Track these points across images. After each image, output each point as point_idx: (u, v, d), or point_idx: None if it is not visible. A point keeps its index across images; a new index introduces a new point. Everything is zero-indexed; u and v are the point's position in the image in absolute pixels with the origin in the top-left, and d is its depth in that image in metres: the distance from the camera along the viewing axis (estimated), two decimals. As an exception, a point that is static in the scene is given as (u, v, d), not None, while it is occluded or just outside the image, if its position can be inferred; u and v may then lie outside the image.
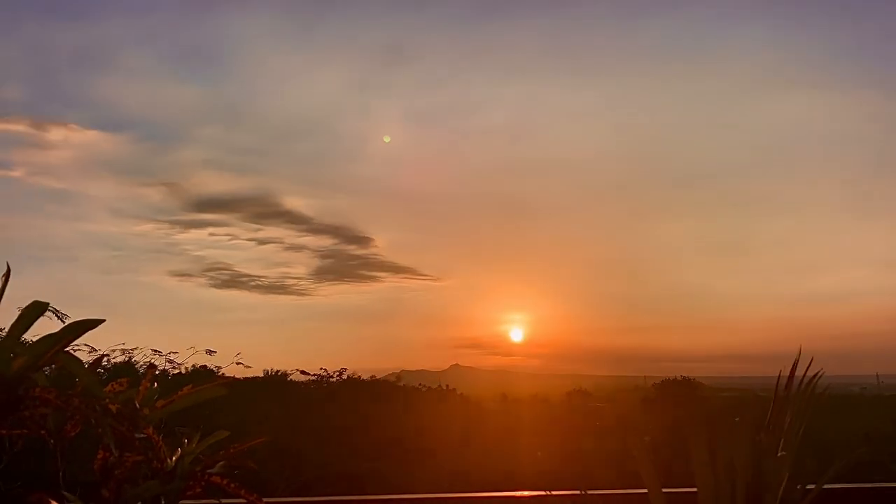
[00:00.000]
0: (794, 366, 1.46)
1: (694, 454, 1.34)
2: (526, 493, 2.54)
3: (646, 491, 2.10)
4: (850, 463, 1.39)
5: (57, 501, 1.40)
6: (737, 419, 1.33)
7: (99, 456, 1.46)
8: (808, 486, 1.39)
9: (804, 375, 1.44)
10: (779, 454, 1.36)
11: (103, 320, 1.39)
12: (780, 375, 1.54)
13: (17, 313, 1.40)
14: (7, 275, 1.43)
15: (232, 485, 1.53)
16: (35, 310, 1.38)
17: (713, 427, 1.29)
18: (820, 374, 1.39)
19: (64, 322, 1.42)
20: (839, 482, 1.84)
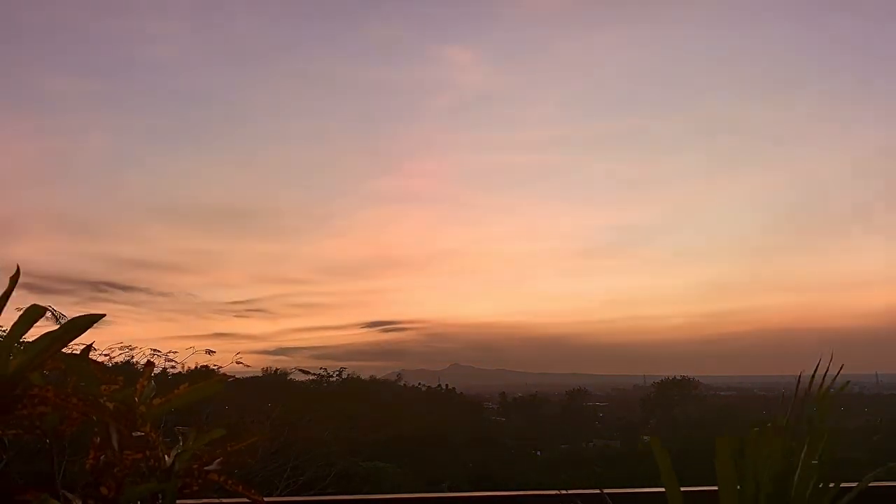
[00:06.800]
0: (821, 366, 1.43)
1: (717, 453, 1.31)
2: (526, 493, 2.52)
3: (647, 490, 2.04)
4: (892, 469, 1.36)
5: (56, 499, 1.37)
6: (769, 424, 1.31)
7: (90, 455, 1.42)
8: (840, 486, 1.36)
9: (836, 376, 1.41)
10: (804, 456, 1.33)
11: (103, 315, 1.34)
12: (800, 375, 1.51)
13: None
14: (16, 276, 1.39)
15: (229, 481, 1.51)
16: (33, 313, 1.34)
17: (738, 427, 1.26)
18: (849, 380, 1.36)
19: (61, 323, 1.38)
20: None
